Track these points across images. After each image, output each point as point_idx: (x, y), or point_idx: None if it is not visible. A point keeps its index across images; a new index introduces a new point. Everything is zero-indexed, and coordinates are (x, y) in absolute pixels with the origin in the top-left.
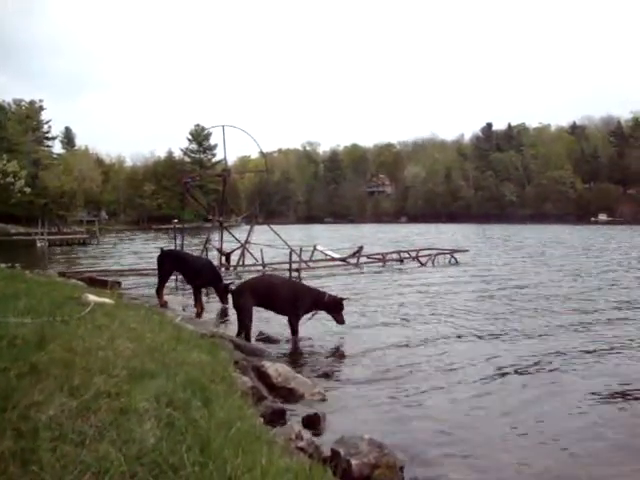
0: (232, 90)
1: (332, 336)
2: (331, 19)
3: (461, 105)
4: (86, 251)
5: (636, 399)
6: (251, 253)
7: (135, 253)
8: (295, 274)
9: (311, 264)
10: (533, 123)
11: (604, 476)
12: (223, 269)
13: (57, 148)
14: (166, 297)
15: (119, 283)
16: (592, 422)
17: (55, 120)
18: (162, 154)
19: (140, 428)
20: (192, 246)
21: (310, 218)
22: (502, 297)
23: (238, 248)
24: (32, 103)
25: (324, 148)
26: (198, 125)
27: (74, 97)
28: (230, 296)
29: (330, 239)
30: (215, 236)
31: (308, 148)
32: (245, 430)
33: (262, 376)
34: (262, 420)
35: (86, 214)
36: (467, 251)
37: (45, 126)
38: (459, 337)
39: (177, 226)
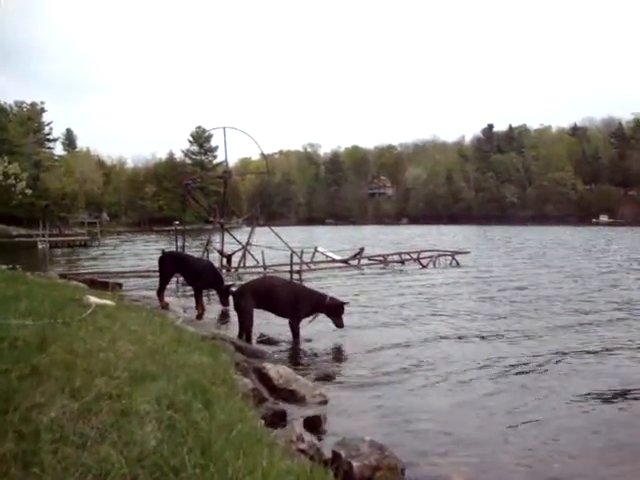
0: (233, 92)
1: (333, 338)
2: (332, 21)
3: (462, 106)
4: (87, 253)
5: (636, 399)
6: (252, 255)
7: (136, 255)
8: (296, 276)
9: (312, 266)
10: (534, 124)
11: (604, 476)
12: (224, 271)
13: (58, 150)
14: (167, 299)
15: (120, 285)
16: (592, 422)
17: (56, 122)
18: (163, 156)
19: (141, 430)
20: (193, 248)
21: (311, 220)
22: (503, 298)
23: (239, 250)
24: (33, 105)
25: (325, 150)
26: (199, 127)
27: (75, 100)
28: (231, 298)
29: (331, 241)
30: (216, 238)
31: (309, 150)
32: (246, 432)
33: (263, 378)
34: (263, 422)
35: (87, 216)
36: (468, 253)
37: (46, 128)
38: (460, 338)
39: (178, 228)
